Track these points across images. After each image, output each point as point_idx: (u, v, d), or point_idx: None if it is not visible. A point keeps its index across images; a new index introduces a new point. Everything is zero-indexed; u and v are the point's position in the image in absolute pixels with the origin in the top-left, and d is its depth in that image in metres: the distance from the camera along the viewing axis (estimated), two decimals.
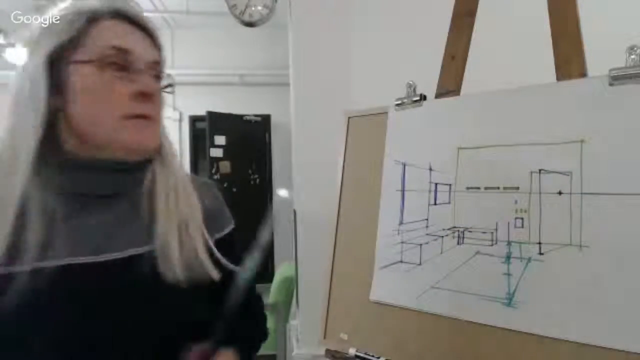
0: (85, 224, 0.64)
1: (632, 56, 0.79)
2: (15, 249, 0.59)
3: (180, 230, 0.70)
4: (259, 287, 0.91)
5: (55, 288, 0.59)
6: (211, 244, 0.73)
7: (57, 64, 0.64)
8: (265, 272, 4.19)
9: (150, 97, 0.67)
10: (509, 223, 0.89)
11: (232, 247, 0.78)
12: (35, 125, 0.62)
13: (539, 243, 0.85)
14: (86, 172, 0.65)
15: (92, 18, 0.65)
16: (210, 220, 0.76)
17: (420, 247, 1.02)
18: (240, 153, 4.85)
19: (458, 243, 0.96)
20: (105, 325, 0.62)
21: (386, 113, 1.16)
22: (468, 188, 0.97)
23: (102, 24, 0.66)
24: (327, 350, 1.14)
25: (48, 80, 0.63)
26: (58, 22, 0.65)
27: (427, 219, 1.03)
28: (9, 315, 0.56)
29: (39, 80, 0.62)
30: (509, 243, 0.89)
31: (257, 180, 4.95)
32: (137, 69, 0.66)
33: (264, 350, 0.91)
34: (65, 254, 0.61)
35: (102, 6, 0.66)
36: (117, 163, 0.67)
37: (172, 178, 0.72)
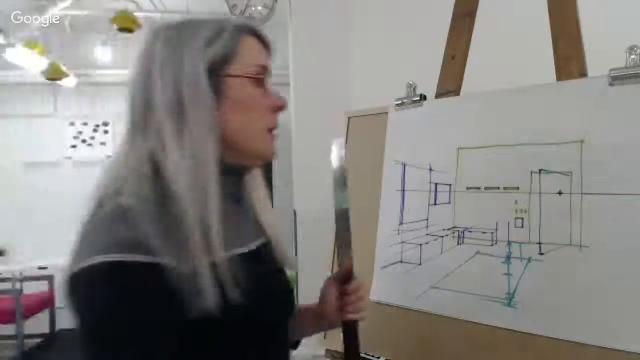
0: (231, 221, 0.69)
1: (632, 56, 0.79)
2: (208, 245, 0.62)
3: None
4: None
5: (232, 278, 0.62)
6: None
7: (211, 75, 0.65)
8: None
9: (282, 110, 0.74)
10: (509, 223, 0.89)
11: None
12: (215, 135, 0.64)
13: (539, 243, 0.85)
14: (231, 175, 0.70)
15: (240, 34, 0.69)
16: None
17: (420, 247, 1.02)
18: None
19: (458, 243, 0.96)
20: (260, 306, 0.67)
21: (386, 113, 1.15)
22: (468, 188, 0.97)
23: (247, 41, 0.69)
24: (327, 350, 1.14)
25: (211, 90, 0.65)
26: (216, 34, 0.67)
27: (427, 219, 1.03)
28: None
29: (205, 90, 0.64)
30: (509, 243, 0.89)
31: None
32: (269, 84, 0.73)
33: None
34: (231, 247, 0.66)
35: (245, 23, 0.71)
36: (246, 167, 0.74)
37: (256, 180, 0.80)
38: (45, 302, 3.74)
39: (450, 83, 1.05)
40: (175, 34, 0.67)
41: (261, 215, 0.78)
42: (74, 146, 4.95)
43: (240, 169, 0.73)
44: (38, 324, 3.70)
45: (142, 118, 0.65)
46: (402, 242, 1.06)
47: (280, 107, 0.73)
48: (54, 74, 3.91)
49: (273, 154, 0.73)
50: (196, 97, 0.63)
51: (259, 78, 0.70)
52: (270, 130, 0.72)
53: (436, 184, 1.02)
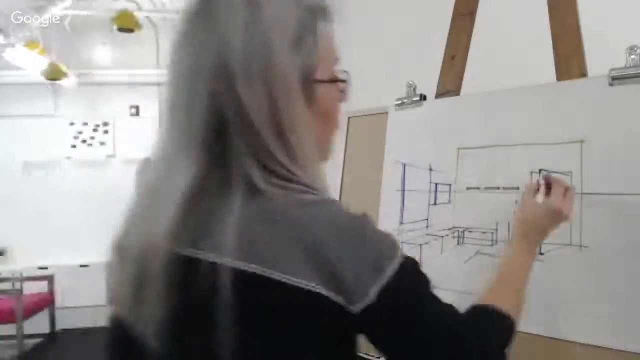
0: None
1: (632, 56, 0.79)
2: None
3: None
4: None
5: None
6: None
7: (302, 84, 0.52)
8: None
9: None
10: (509, 223, 0.89)
11: None
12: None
13: None
14: None
15: (317, 21, 0.54)
16: None
17: (420, 247, 1.02)
18: None
19: (458, 243, 0.96)
20: None
21: (386, 113, 1.15)
22: (468, 188, 0.97)
23: (325, 29, 0.55)
24: None
25: None
26: (301, 31, 0.52)
27: (427, 219, 1.03)
28: None
29: (302, 105, 0.51)
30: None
31: None
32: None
33: None
34: None
35: (319, 4, 0.55)
36: None
37: None
38: (45, 302, 3.74)
39: (450, 83, 1.05)
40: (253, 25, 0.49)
41: None
42: (74, 146, 4.95)
43: None
44: (38, 324, 3.70)
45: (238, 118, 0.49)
46: (402, 242, 1.06)
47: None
48: (54, 74, 3.91)
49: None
50: (295, 112, 0.50)
51: (343, 80, 0.56)
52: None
53: (436, 184, 1.02)
